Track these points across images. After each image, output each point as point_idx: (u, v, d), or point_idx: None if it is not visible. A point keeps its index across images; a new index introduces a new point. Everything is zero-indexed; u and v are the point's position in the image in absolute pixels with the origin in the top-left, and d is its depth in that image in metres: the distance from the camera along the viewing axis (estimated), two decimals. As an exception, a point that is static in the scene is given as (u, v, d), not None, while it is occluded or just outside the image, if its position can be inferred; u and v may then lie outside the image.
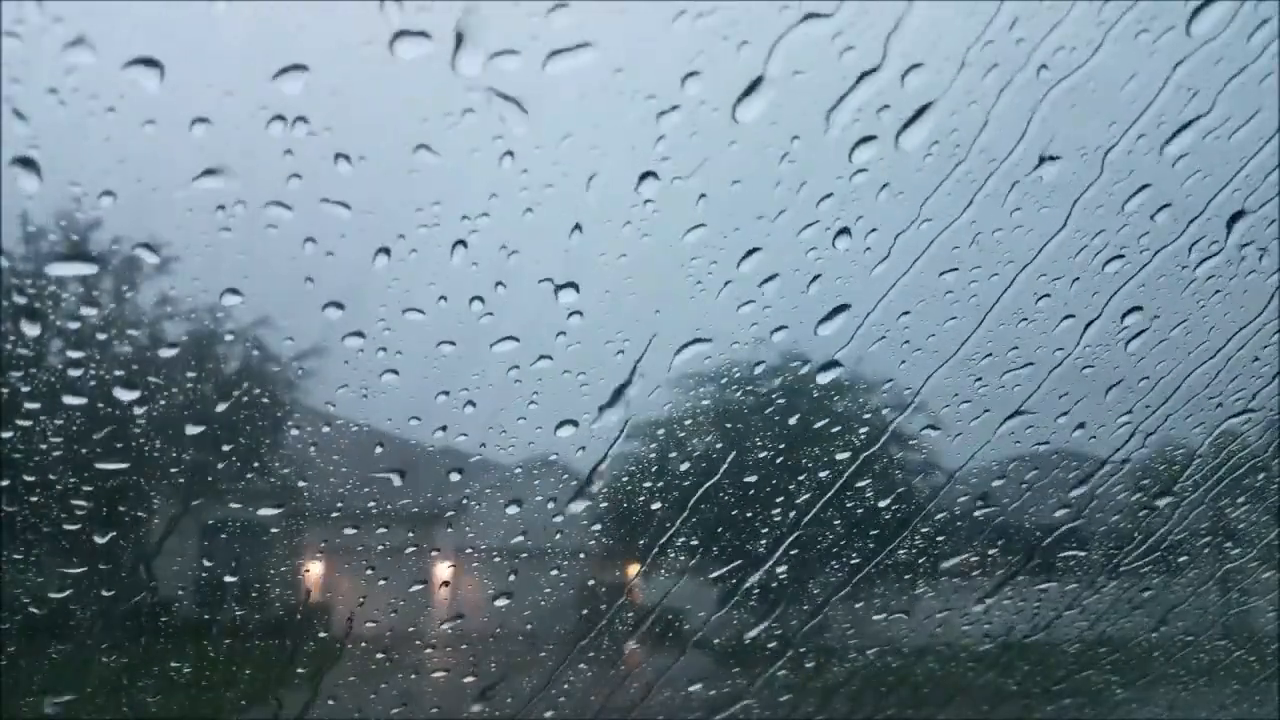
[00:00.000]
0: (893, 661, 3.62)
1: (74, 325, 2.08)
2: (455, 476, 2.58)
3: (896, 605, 3.41)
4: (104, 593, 2.52)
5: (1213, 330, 2.70)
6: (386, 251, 2.05)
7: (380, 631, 2.77)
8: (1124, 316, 2.62)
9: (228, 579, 2.70)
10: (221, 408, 2.34)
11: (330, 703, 2.76)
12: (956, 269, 2.42)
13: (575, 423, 2.52)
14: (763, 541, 3.06)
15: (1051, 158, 2.21)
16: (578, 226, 2.10)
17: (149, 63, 1.63)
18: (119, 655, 2.63)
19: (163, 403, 2.26)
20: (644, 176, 2.04)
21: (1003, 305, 2.51)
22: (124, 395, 2.18)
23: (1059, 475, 3.25)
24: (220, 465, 2.46)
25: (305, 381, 2.35)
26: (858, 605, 3.42)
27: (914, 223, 2.29)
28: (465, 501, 2.64)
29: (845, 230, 2.25)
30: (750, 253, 2.25)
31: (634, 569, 3.09)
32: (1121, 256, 2.46)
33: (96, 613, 2.56)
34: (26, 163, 1.68)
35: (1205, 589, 3.88)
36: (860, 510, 3.14)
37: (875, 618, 3.40)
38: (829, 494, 3.02)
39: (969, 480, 3.13)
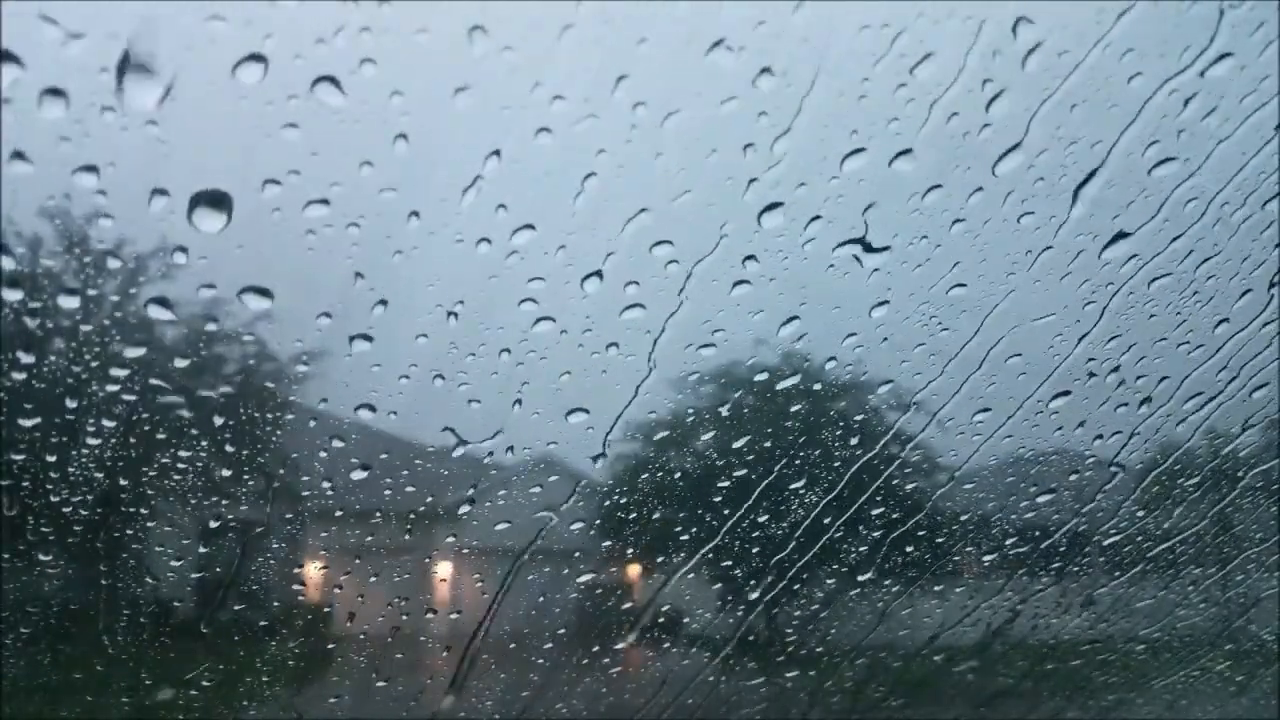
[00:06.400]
0: (893, 661, 3.62)
1: (75, 326, 2.08)
2: (456, 477, 2.58)
3: (897, 605, 3.41)
4: (104, 593, 2.52)
5: (1213, 330, 2.70)
6: (394, 246, 2.05)
7: (381, 631, 2.77)
8: (1124, 317, 2.62)
9: (228, 579, 2.69)
10: (222, 408, 2.34)
11: (332, 702, 2.76)
12: (957, 271, 2.43)
13: (577, 425, 2.52)
14: (763, 542, 3.06)
15: (1050, 160, 2.21)
16: (576, 228, 2.11)
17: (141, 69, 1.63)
18: (120, 655, 2.63)
19: (164, 403, 2.26)
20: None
21: (1003, 307, 2.51)
22: (125, 396, 2.18)
23: (1059, 476, 3.26)
24: (221, 465, 2.46)
25: (306, 381, 2.35)
26: (858, 605, 3.43)
27: (912, 225, 2.29)
28: (468, 501, 2.64)
29: (847, 233, 2.26)
30: (749, 258, 2.26)
31: (635, 569, 3.10)
32: (1120, 257, 2.46)
33: (97, 613, 2.56)
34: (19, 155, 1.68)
35: (1205, 589, 3.88)
36: (861, 510, 3.14)
37: (876, 617, 3.40)
38: (830, 495, 3.02)
39: (969, 480, 3.13)
